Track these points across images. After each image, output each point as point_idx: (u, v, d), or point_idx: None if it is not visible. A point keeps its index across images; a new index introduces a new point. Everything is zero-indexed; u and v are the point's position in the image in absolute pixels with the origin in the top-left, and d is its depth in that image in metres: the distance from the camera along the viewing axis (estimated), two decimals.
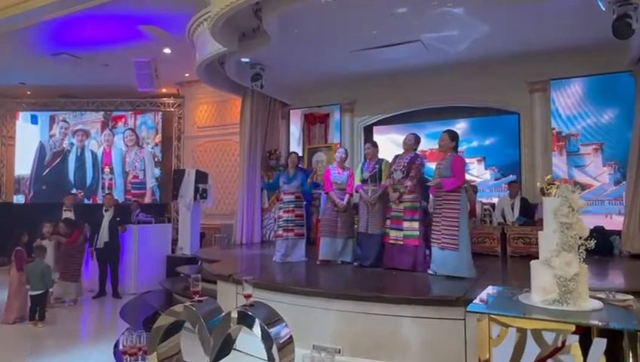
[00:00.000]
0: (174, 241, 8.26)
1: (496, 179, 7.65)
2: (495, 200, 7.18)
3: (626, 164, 6.24)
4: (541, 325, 1.84)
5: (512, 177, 7.41)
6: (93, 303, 6.56)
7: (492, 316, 1.91)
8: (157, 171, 10.48)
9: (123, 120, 10.72)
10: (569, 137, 6.96)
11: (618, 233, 6.04)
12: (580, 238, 2.03)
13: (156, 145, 10.54)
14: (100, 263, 6.87)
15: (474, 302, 2.16)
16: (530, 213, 6.45)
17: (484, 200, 7.10)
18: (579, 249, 2.03)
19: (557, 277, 1.96)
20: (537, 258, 2.20)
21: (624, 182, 6.32)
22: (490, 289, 2.45)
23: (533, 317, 1.88)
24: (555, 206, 2.06)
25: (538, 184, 6.47)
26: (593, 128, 6.84)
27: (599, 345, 1.73)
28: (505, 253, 6.04)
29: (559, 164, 7.00)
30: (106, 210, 6.97)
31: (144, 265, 7.25)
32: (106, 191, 9.83)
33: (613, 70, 6.47)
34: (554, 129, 7.04)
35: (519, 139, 7.40)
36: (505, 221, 6.51)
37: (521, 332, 1.86)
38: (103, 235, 6.80)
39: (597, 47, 6.25)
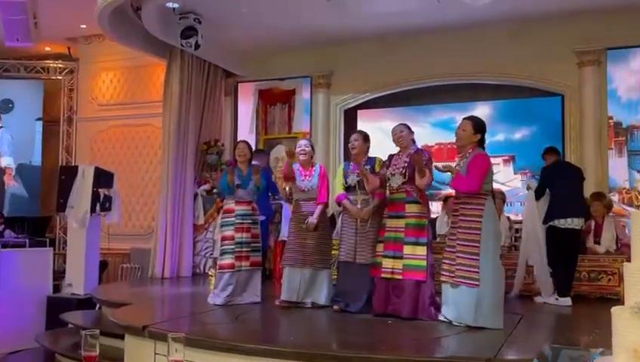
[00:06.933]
0: (59, 274, 7.89)
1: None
2: None
3: None
4: None
5: None
6: None
7: None
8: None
9: None
10: (632, 130, 7.04)
11: None
12: None
13: None
14: None
15: None
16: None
17: (514, 217, 7.06)
18: None
19: None
20: (606, 299, 2.02)
21: None
22: (547, 350, 2.28)
23: None
24: None
25: None
26: None
27: None
28: None
29: (618, 166, 7.05)
30: None
31: (9, 310, 6.86)
32: None
33: None
34: (611, 118, 7.11)
35: (562, 132, 7.46)
36: None
37: None
38: None
39: None
